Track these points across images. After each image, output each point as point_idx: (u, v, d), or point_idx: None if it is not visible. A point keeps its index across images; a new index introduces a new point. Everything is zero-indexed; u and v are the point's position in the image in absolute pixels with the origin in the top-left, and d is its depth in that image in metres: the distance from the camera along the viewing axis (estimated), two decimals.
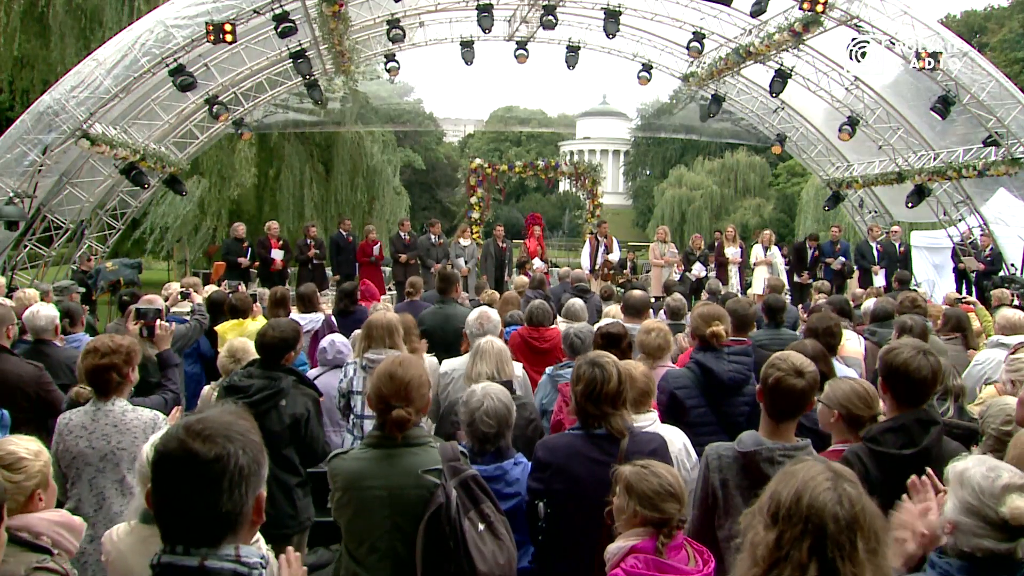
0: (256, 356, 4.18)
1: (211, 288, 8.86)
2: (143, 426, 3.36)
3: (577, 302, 6.30)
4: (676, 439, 3.37)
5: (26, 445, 2.48)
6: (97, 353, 3.37)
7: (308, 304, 6.73)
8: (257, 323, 6.06)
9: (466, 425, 2.98)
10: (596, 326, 6.10)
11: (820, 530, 1.51)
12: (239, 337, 4.87)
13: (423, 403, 2.68)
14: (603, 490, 2.72)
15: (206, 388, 4.57)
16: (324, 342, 5.09)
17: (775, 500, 1.60)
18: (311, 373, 5.05)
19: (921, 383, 2.66)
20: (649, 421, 3.35)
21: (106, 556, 2.42)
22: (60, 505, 3.35)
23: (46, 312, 5.05)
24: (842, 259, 13.01)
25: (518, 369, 4.68)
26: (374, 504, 2.56)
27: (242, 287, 10.21)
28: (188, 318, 5.91)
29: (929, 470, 2.19)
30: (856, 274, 13.15)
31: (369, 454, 2.62)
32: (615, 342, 4.14)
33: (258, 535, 2.31)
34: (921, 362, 2.65)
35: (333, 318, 6.74)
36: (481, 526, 2.51)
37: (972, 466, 1.89)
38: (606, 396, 2.82)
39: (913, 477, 2.18)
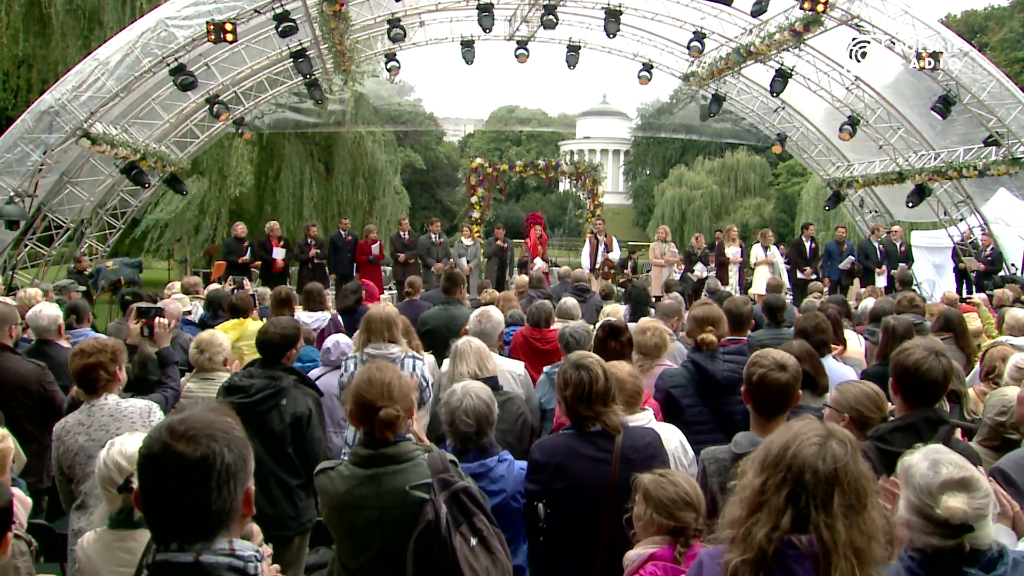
0: (222, 346, 4.31)
1: (213, 287, 8.87)
2: (139, 412, 3.42)
3: (571, 300, 6.31)
4: (672, 436, 3.39)
5: None
6: (84, 354, 3.45)
7: (315, 302, 6.73)
8: (257, 323, 6.08)
9: (447, 425, 2.96)
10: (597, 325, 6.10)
11: (798, 480, 1.60)
12: (211, 331, 4.82)
13: (408, 404, 2.58)
14: (602, 488, 2.73)
15: (183, 379, 4.53)
16: (328, 342, 5.08)
17: (767, 448, 1.70)
18: (314, 373, 5.05)
19: (932, 384, 2.65)
20: (645, 419, 3.35)
21: (77, 564, 2.44)
22: (68, 503, 3.38)
23: (49, 312, 5.06)
24: (851, 258, 12.99)
25: (519, 367, 4.68)
26: (363, 525, 2.50)
27: (247, 283, 10.22)
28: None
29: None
30: (861, 273, 13.14)
31: (356, 473, 2.52)
32: (616, 334, 4.16)
33: (259, 532, 2.32)
34: (932, 363, 2.65)
35: (339, 317, 6.73)
36: (473, 540, 2.43)
37: (916, 462, 1.90)
38: (596, 396, 2.83)
39: (882, 480, 2.16)
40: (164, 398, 4.04)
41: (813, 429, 1.68)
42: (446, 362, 4.84)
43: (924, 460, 1.89)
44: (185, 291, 8.01)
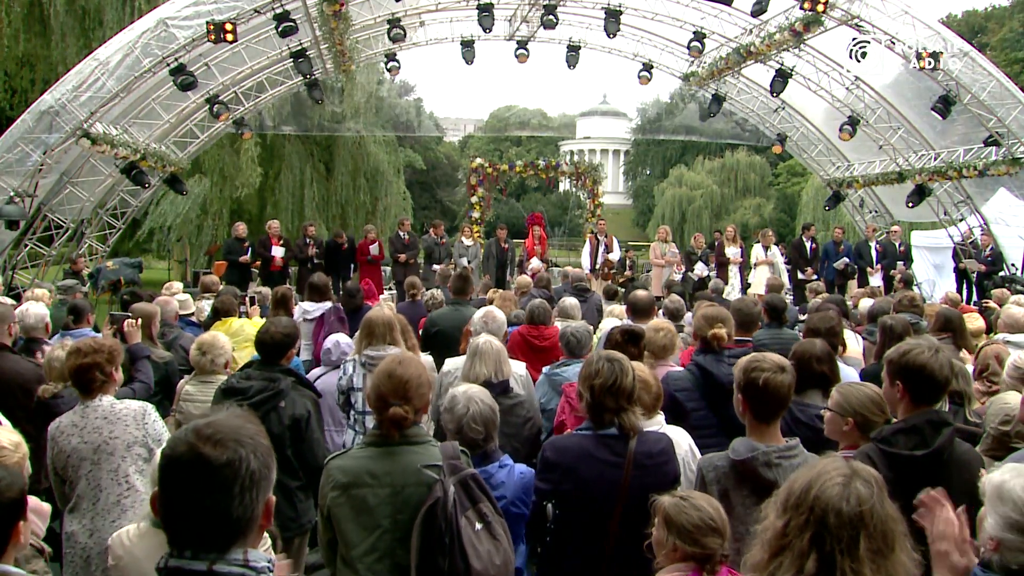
0: (224, 348, 4.35)
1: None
2: (133, 414, 3.40)
3: (571, 300, 6.30)
4: (683, 441, 3.37)
5: (8, 436, 2.55)
6: (80, 353, 3.43)
7: (321, 294, 6.78)
8: (241, 321, 6.17)
9: (454, 433, 2.94)
10: (604, 326, 6.11)
11: (822, 522, 1.54)
12: (212, 333, 4.84)
13: (422, 402, 2.65)
14: (612, 492, 2.71)
15: (181, 381, 4.55)
16: (328, 342, 5.08)
17: (789, 488, 1.64)
18: (314, 373, 5.05)
19: (934, 381, 2.65)
20: (657, 424, 3.34)
21: (116, 561, 2.37)
22: (64, 504, 3.36)
23: (35, 311, 5.07)
24: (846, 259, 13.01)
25: (520, 368, 4.67)
26: (374, 502, 2.55)
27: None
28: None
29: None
30: (856, 274, 13.15)
31: (369, 452, 2.61)
32: (635, 340, 4.14)
33: (266, 538, 2.31)
34: (933, 360, 2.64)
35: (341, 306, 6.75)
36: (478, 525, 2.50)
37: (1010, 479, 1.82)
38: (623, 391, 2.80)
39: (921, 495, 2.08)
40: (132, 391, 4.09)
41: (837, 468, 1.61)
42: (448, 361, 4.84)
43: (1019, 477, 1.81)
44: (205, 289, 8.18)
